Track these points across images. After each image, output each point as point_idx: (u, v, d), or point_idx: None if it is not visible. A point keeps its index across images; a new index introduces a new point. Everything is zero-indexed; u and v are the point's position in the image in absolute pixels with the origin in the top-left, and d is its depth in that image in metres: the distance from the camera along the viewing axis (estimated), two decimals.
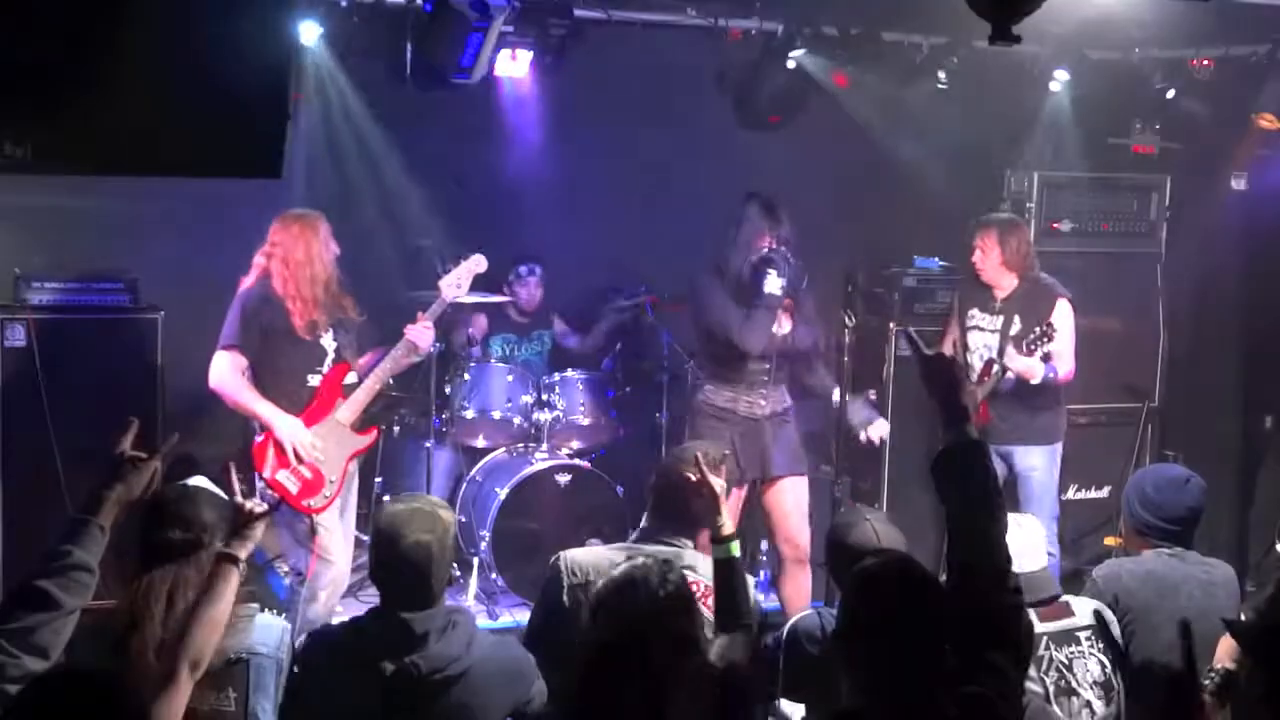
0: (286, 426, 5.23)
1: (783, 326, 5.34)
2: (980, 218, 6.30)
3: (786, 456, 5.43)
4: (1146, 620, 3.96)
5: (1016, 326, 6.04)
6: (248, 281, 5.39)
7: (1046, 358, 5.88)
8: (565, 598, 3.83)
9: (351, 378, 5.46)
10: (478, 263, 5.75)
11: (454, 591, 6.38)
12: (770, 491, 5.50)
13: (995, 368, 6.00)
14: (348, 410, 5.40)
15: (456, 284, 5.71)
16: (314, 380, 5.37)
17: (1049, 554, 5.68)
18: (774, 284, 5.20)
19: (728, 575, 3.66)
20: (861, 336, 7.38)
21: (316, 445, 5.27)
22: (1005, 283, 6.11)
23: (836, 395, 5.54)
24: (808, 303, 5.47)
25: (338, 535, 5.37)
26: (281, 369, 5.33)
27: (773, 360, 5.42)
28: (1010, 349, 5.89)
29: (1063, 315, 6.04)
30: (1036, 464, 6.05)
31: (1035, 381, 5.87)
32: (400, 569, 3.43)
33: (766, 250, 5.26)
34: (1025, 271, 6.09)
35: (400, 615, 3.40)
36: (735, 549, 3.69)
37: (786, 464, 5.42)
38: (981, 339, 6.16)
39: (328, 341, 5.39)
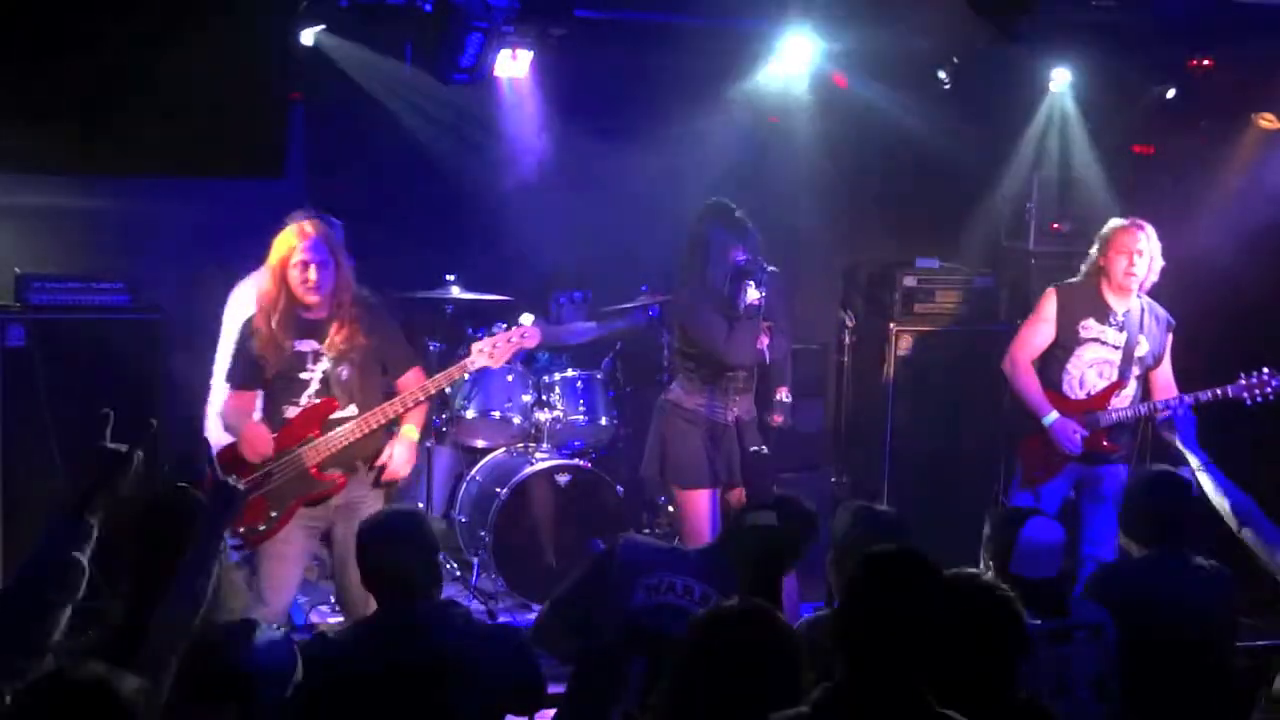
0: (249, 437, 4.92)
1: (761, 342, 5.34)
2: (1121, 220, 5.76)
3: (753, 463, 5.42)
4: (1144, 621, 3.97)
5: (1143, 348, 5.70)
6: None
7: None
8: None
9: (345, 413, 4.99)
10: (526, 335, 5.21)
11: (454, 591, 6.38)
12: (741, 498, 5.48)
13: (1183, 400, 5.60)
14: (316, 450, 4.94)
15: (489, 353, 5.17)
16: (289, 411, 4.99)
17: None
18: (753, 294, 5.19)
19: None
20: (861, 336, 7.43)
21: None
22: (1132, 298, 5.70)
23: (784, 395, 5.53)
24: (781, 313, 5.46)
25: (276, 577, 4.97)
26: (267, 396, 5.04)
27: (748, 370, 5.42)
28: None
29: (1168, 349, 5.85)
30: (1123, 485, 5.78)
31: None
32: (377, 578, 3.64)
33: (742, 263, 5.25)
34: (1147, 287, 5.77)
35: (392, 611, 3.54)
36: None
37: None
38: (1101, 354, 5.68)
39: (312, 373, 4.98)
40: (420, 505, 6.47)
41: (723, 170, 7.02)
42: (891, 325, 7.17)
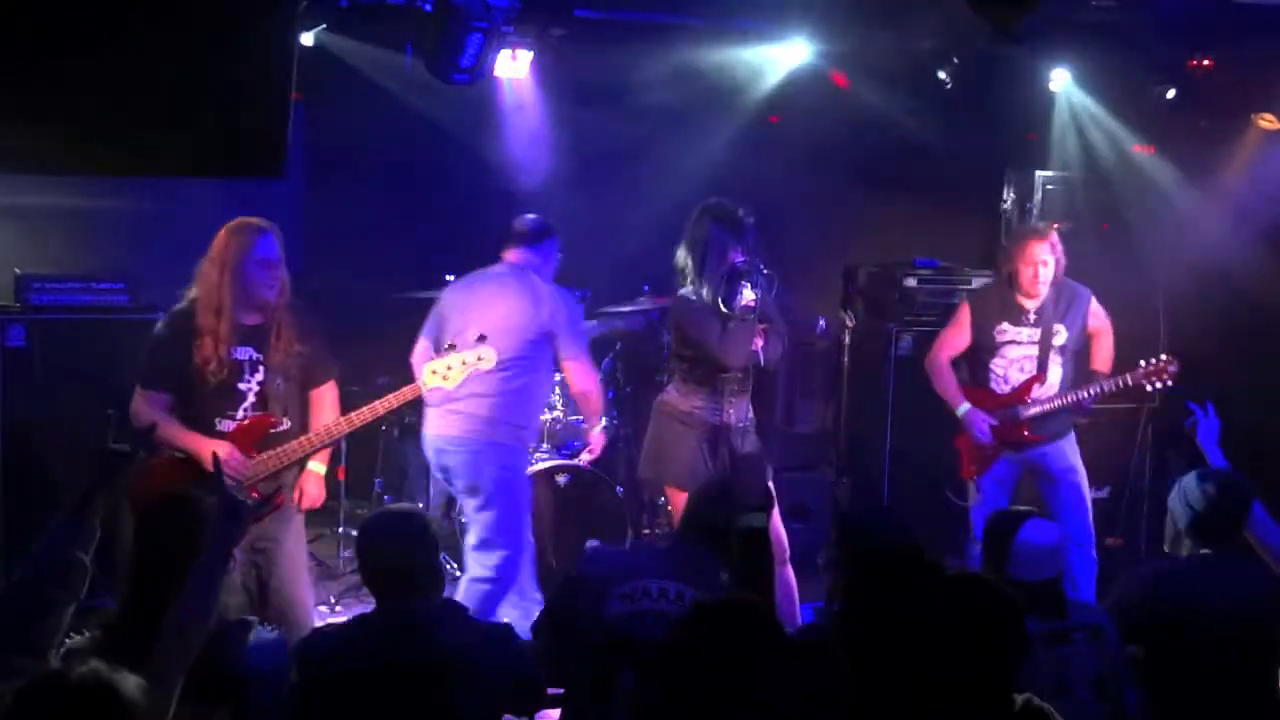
0: (218, 452, 4.48)
1: (755, 344, 5.33)
2: (1030, 228, 6.09)
3: None
4: (1184, 619, 3.99)
5: (1062, 336, 5.92)
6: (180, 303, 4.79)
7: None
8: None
9: (279, 428, 4.78)
10: (482, 358, 5.02)
11: (454, 591, 6.38)
12: None
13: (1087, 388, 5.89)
14: (253, 469, 4.71)
15: (443, 374, 4.97)
16: (224, 425, 4.69)
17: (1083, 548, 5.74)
18: (748, 295, 5.17)
19: None
20: (861, 336, 7.42)
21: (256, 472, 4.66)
22: (1043, 293, 5.90)
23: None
24: (776, 313, 5.44)
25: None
26: (189, 411, 4.70)
27: (744, 371, 5.40)
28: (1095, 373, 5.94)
29: (1097, 313, 6.06)
30: (1072, 461, 6.00)
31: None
32: (376, 575, 3.60)
33: (739, 264, 5.23)
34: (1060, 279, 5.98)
35: (393, 610, 3.53)
36: None
37: None
38: (1021, 351, 5.92)
39: (250, 384, 4.73)
40: (420, 505, 6.47)
41: (723, 170, 7.02)
42: (891, 325, 7.18)
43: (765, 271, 5.18)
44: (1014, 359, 5.95)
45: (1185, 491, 4.25)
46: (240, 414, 4.74)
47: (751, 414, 5.52)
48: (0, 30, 3.09)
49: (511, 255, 5.60)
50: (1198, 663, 3.98)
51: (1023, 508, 4.44)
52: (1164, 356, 5.87)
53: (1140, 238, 7.18)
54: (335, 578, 6.53)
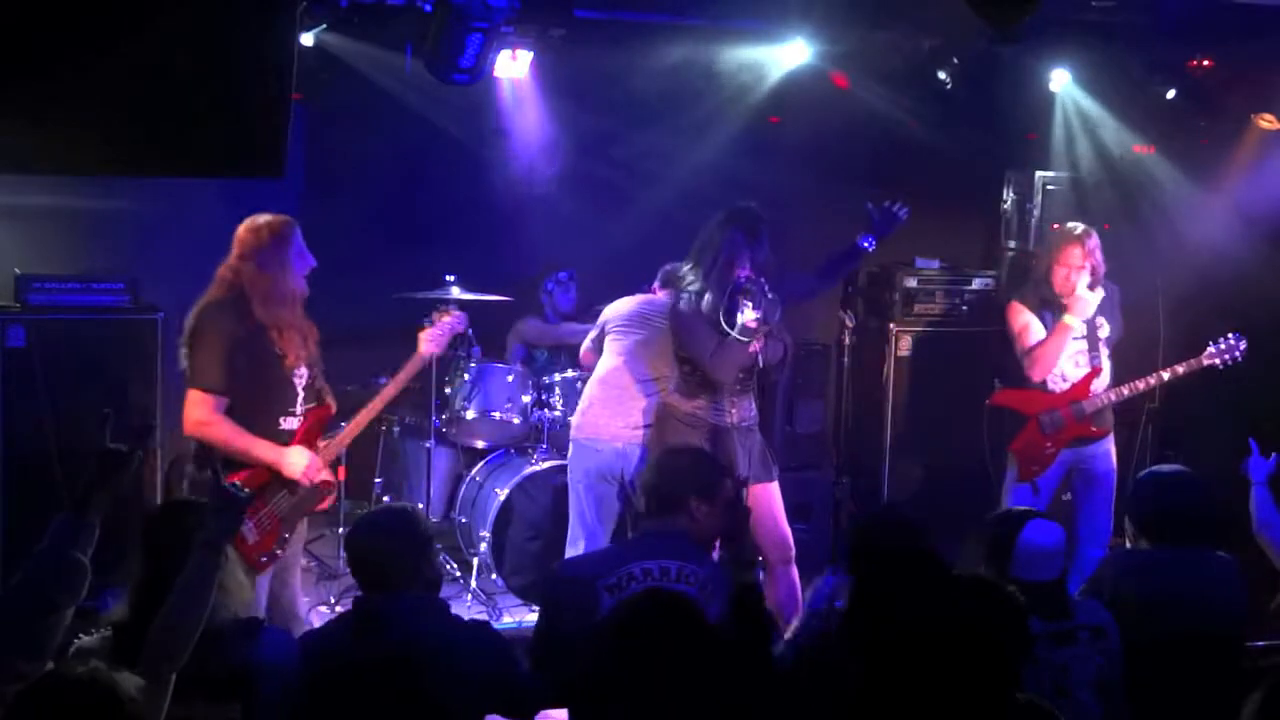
0: (298, 461, 4.59)
1: (754, 345, 5.29)
2: (1069, 229, 6.07)
3: (757, 464, 5.39)
4: (1144, 615, 3.99)
5: (1105, 329, 6.02)
6: (209, 297, 4.63)
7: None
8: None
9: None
10: (456, 321, 5.27)
11: (454, 591, 6.38)
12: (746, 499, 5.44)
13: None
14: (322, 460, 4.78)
15: (435, 341, 5.18)
16: (288, 423, 4.65)
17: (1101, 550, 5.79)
18: (748, 316, 5.13)
19: None
20: (861, 337, 7.42)
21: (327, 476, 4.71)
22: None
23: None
24: (778, 321, 5.40)
25: (291, 590, 4.77)
26: (254, 410, 4.59)
27: (745, 371, 5.37)
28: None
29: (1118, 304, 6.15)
30: (1114, 463, 6.08)
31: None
32: (357, 567, 3.70)
33: (744, 281, 5.18)
34: None
35: (369, 602, 3.60)
36: None
37: (758, 472, 5.38)
38: (1073, 345, 5.95)
39: (300, 379, 4.68)
40: (420, 506, 6.47)
41: (723, 170, 7.02)
42: (891, 325, 7.18)
43: (770, 295, 5.13)
44: (1068, 354, 5.97)
45: (1137, 488, 4.34)
46: (298, 409, 4.70)
47: (755, 412, 5.50)
48: (1, 30, 3.09)
49: (663, 294, 5.88)
50: (1159, 660, 3.97)
51: (1025, 508, 4.46)
52: (1232, 336, 5.96)
53: (1140, 238, 7.18)
54: (335, 577, 6.53)
